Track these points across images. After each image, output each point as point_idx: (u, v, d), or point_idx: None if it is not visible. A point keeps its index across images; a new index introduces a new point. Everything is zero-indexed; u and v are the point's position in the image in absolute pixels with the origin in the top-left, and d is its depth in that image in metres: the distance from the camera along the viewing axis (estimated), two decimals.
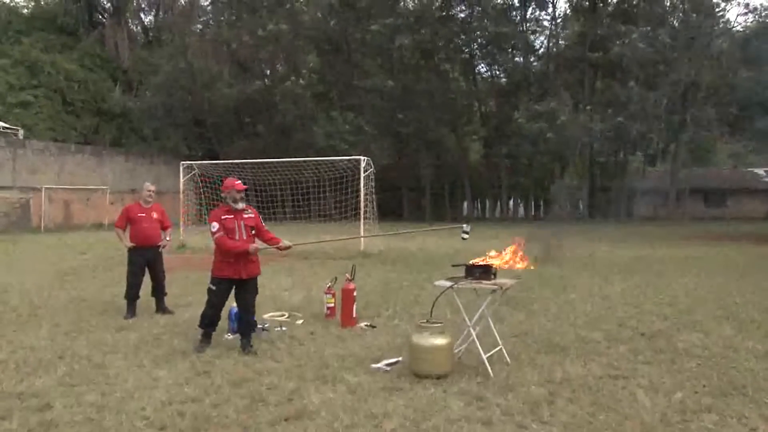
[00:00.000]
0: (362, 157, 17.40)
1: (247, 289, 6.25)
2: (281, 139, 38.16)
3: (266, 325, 7.16)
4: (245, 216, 6.16)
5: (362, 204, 16.94)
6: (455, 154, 44.10)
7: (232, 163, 20.64)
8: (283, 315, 8.01)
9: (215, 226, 6.02)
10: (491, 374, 5.27)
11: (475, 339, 5.51)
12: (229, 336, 6.75)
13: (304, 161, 20.59)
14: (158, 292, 8.33)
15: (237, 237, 6.08)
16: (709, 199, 45.01)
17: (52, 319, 7.76)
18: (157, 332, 7.01)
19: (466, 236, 6.05)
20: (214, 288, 6.18)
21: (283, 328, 7.17)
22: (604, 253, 16.35)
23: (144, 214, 8.19)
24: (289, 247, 6.36)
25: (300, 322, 7.63)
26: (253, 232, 6.27)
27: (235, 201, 6.11)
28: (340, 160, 20.04)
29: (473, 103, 45.27)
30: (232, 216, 6.09)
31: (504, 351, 5.80)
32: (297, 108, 37.40)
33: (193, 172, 19.98)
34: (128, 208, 8.40)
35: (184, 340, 6.60)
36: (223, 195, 6.26)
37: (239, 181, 6.19)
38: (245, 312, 6.24)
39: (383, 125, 38.67)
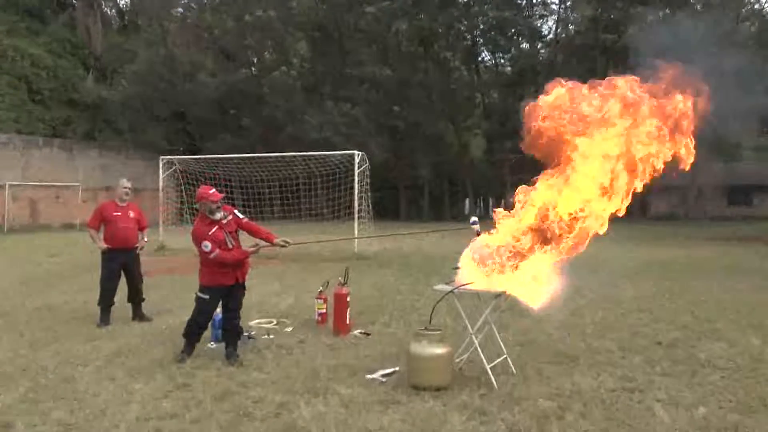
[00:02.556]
0: (356, 152, 17.36)
1: (236, 291, 6.25)
2: (269, 133, 38.10)
3: (252, 333, 7.12)
4: (225, 222, 6.12)
5: (356, 202, 16.90)
6: (455, 149, 44.11)
7: (215, 158, 20.59)
8: (270, 322, 7.97)
9: (208, 245, 5.93)
10: (495, 386, 5.24)
11: (478, 348, 5.47)
12: (213, 345, 6.71)
13: (294, 156, 20.56)
14: (135, 297, 8.27)
15: (229, 246, 6.06)
16: (732, 196, 43.66)
17: (16, 329, 7.67)
18: (133, 342, 6.96)
19: (476, 227, 5.88)
20: (206, 297, 6.13)
21: (271, 336, 7.13)
22: (615, 255, 16.34)
23: (119, 214, 8.12)
24: (284, 245, 6.34)
25: (289, 329, 7.60)
26: (239, 232, 6.25)
27: (212, 212, 6.04)
28: (333, 155, 20.00)
29: (475, 95, 45.30)
30: (217, 226, 6.05)
31: (509, 361, 5.77)
32: (286, 99, 37.32)
33: (174, 168, 19.91)
34: (102, 206, 8.33)
35: (162, 350, 6.55)
36: (197, 206, 6.21)
37: (213, 190, 6.11)
38: (233, 316, 6.22)
39: (378, 119, 38.65)
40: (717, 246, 20.06)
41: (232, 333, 6.23)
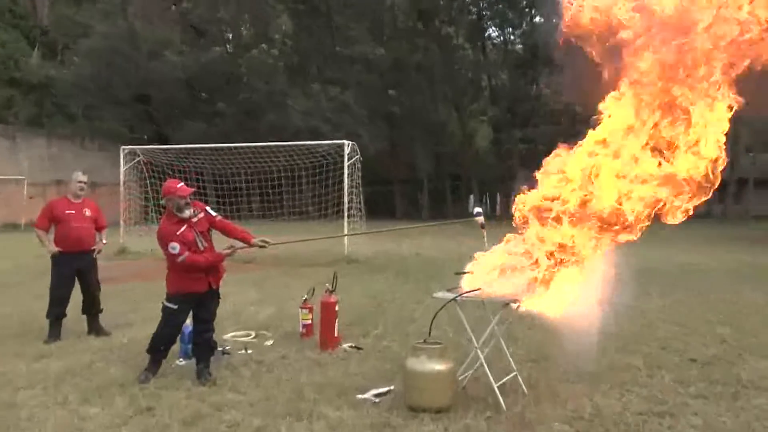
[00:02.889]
0: (346, 142, 17.33)
1: (210, 299, 6.21)
2: (247, 120, 38.05)
3: (227, 348, 7.08)
4: (194, 221, 6.07)
5: (346, 199, 16.88)
6: (459, 139, 44.17)
7: (185, 149, 20.51)
8: (248, 335, 7.94)
9: (176, 247, 5.87)
10: (504, 407, 5.22)
11: (484, 363, 5.45)
12: (181, 362, 6.66)
13: (276, 146, 20.49)
14: (91, 308, 8.20)
15: (200, 247, 6.02)
16: None
17: None
18: (88, 359, 6.89)
19: (481, 218, 5.86)
20: (175, 307, 6.07)
21: (249, 351, 7.10)
22: (641, 258, 16.36)
23: (73, 212, 8.06)
24: (263, 246, 6.30)
25: (269, 343, 7.56)
26: (211, 233, 6.21)
27: (180, 209, 5.98)
28: (320, 146, 19.96)
29: (481, 77, 45.36)
30: (186, 225, 6.00)
31: (519, 378, 5.75)
32: (266, 82, 37.26)
33: (137, 160, 19.82)
34: (53, 204, 8.26)
35: (123, 368, 6.49)
36: (163, 203, 6.16)
37: (182, 184, 6.06)
38: (205, 328, 6.18)
39: (372, 104, 38.68)
40: (763, 249, 20.05)
41: (204, 348, 6.18)
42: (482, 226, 5.75)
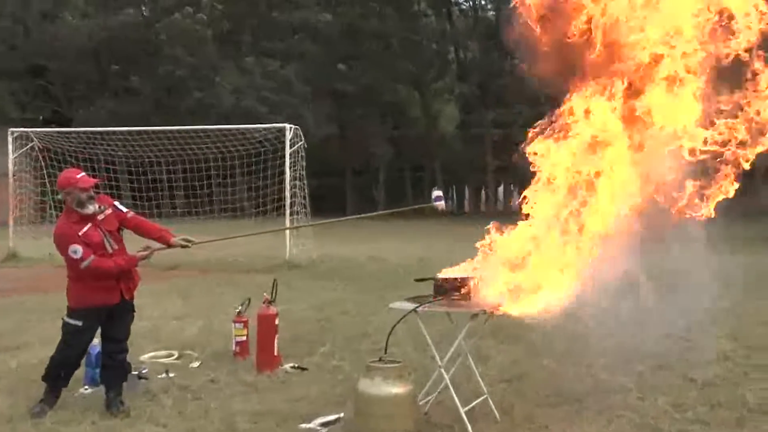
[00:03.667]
0: (288, 126, 17.27)
1: (122, 314, 6.09)
2: (168, 99, 37.65)
3: (144, 372, 6.98)
4: (101, 218, 5.97)
5: (288, 193, 16.82)
6: (421, 122, 44.41)
7: (92, 132, 20.19)
8: (170, 355, 7.86)
9: (78, 250, 5.71)
10: None
11: (449, 385, 5.50)
12: (87, 390, 6.56)
13: (204, 131, 20.32)
14: None
15: (110, 250, 5.92)
16: None
17: None
18: None
19: (441, 203, 6.02)
20: (79, 324, 5.95)
21: (171, 375, 7.02)
22: (634, 261, 16.66)
23: None
24: (188, 245, 6.25)
25: (195, 364, 7.50)
26: (121, 233, 6.11)
27: (82, 204, 5.86)
28: (256, 130, 19.85)
29: (447, 49, 45.66)
30: (91, 224, 5.89)
31: (491, 402, 5.81)
32: (191, 53, 36.87)
33: (31, 145, 19.40)
34: None
35: (11, 400, 6.32)
36: (60, 197, 6.05)
37: (82, 174, 5.95)
38: (117, 349, 6.07)
39: (317, 81, 38.59)
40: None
41: (115, 372, 6.09)
42: (442, 211, 5.90)
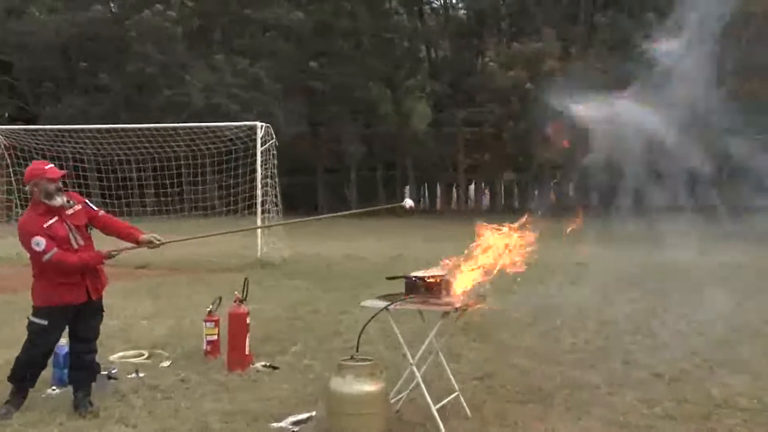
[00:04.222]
0: (259, 124, 17.21)
1: (90, 314, 6.02)
2: (138, 96, 37.37)
3: (114, 371, 6.93)
4: (70, 213, 5.92)
5: (259, 191, 16.77)
6: (393, 120, 44.43)
7: (60, 130, 19.95)
8: (140, 355, 7.80)
9: (41, 242, 5.63)
10: None
11: (421, 383, 5.51)
12: (55, 390, 6.50)
13: (174, 129, 20.17)
14: None
15: (75, 245, 5.85)
16: (761, 182, 44.80)
17: None
18: None
19: (409, 202, 6.19)
20: (44, 323, 5.87)
21: (141, 375, 6.96)
22: (602, 259, 16.76)
23: None
24: (156, 245, 6.20)
25: (166, 364, 7.45)
26: (89, 231, 6.06)
27: (50, 196, 5.80)
28: (227, 128, 19.76)
29: (419, 47, 45.72)
30: (57, 217, 5.83)
31: (462, 399, 5.84)
32: (161, 51, 36.60)
33: None
34: None
35: None
36: (27, 189, 5.98)
37: (51, 165, 5.87)
38: (85, 349, 6.02)
39: (289, 78, 38.46)
40: (740, 247, 20.60)
41: (84, 373, 6.02)
42: (410, 208, 6.02)
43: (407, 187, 47.36)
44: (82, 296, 5.87)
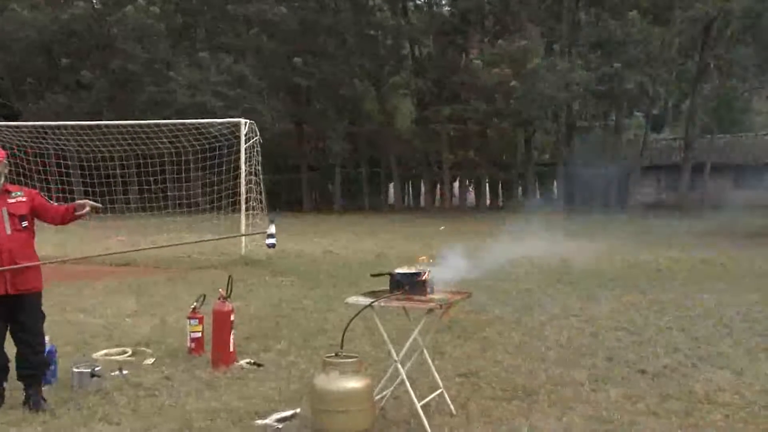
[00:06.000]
0: (243, 120, 17.14)
1: (25, 313, 5.89)
2: (121, 93, 37.10)
3: (97, 369, 6.89)
4: (10, 201, 5.84)
5: (243, 189, 16.71)
6: (378, 117, 44.38)
7: (41, 127, 19.82)
8: (123, 352, 7.77)
9: None
10: (428, 430, 5.30)
11: (405, 380, 5.52)
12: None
13: (157, 125, 20.06)
14: None
15: (8, 232, 5.75)
16: (740, 178, 43.34)
17: None
18: None
19: (272, 240, 6.10)
20: None
21: (124, 373, 6.93)
22: (586, 256, 16.82)
23: None
24: (96, 209, 6.18)
25: (150, 362, 7.42)
26: (25, 223, 5.92)
27: None
28: (211, 125, 19.68)
29: (403, 44, 45.67)
30: None
31: (446, 396, 5.85)
32: (144, 48, 36.39)
33: None
34: None
35: None
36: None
37: None
38: (30, 352, 5.89)
39: (273, 75, 38.34)
40: (721, 244, 20.78)
41: (31, 373, 5.92)
42: (268, 245, 6.03)
43: (391, 185, 47.29)
44: None
